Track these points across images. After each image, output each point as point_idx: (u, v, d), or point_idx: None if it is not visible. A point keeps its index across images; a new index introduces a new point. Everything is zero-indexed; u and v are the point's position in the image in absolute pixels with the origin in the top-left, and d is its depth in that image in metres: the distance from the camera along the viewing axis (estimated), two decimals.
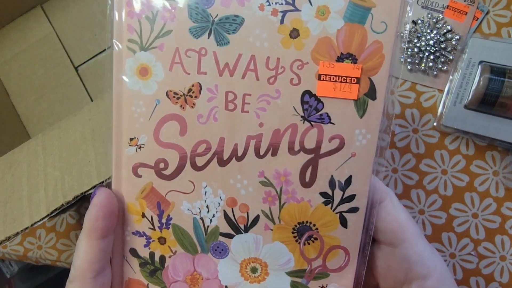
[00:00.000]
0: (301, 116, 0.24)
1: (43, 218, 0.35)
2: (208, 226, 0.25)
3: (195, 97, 0.23)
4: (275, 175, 0.24)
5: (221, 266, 0.25)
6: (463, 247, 0.46)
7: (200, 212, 0.25)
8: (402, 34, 0.23)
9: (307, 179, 0.24)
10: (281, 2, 0.22)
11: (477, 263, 0.46)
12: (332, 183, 0.24)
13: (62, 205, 0.35)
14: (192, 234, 0.25)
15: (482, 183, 0.46)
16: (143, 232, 0.25)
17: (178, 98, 0.23)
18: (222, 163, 0.24)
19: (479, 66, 0.45)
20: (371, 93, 0.23)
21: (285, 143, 0.24)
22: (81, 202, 0.51)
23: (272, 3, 0.22)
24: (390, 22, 0.22)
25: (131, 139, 0.24)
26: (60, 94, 0.48)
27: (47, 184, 0.37)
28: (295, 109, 0.23)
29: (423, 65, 0.47)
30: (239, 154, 0.24)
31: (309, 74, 0.23)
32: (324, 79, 0.23)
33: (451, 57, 0.47)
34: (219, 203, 0.24)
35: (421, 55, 0.47)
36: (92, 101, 0.48)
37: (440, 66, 0.47)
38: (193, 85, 0.23)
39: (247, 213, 0.25)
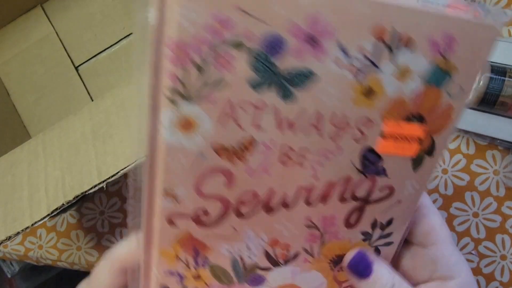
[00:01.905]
0: (358, 170, 0.23)
1: (44, 217, 0.35)
2: (247, 263, 0.24)
3: (247, 151, 0.21)
4: (322, 219, 0.24)
5: None
6: (463, 246, 0.46)
7: (239, 252, 0.24)
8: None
9: (351, 222, 0.24)
10: (360, 58, 0.20)
11: (478, 262, 0.46)
12: (374, 224, 0.25)
13: (63, 204, 0.35)
14: (230, 271, 0.24)
15: (483, 183, 0.46)
16: (177, 271, 0.24)
17: (227, 153, 0.21)
18: (269, 210, 0.23)
19: None
20: (430, 150, 0.23)
21: (336, 193, 0.23)
22: (82, 201, 0.52)
23: (351, 57, 0.20)
24: (467, 87, 0.22)
25: (166, 192, 0.21)
26: (60, 94, 0.48)
27: (48, 183, 0.37)
28: (353, 164, 0.23)
29: None
30: (288, 203, 0.23)
31: (374, 132, 0.22)
32: (389, 137, 0.22)
33: None
34: (260, 244, 0.24)
35: None
36: (92, 100, 0.48)
37: None
38: (246, 140, 0.21)
39: (288, 250, 0.24)
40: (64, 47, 0.49)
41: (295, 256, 0.25)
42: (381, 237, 0.25)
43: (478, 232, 0.46)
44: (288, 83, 0.20)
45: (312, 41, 0.19)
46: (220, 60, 0.19)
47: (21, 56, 0.49)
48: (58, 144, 0.40)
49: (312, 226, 0.24)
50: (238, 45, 0.19)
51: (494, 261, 0.47)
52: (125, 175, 0.51)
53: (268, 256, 0.24)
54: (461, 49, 0.21)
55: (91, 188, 0.35)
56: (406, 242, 0.26)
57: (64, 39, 0.49)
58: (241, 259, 0.24)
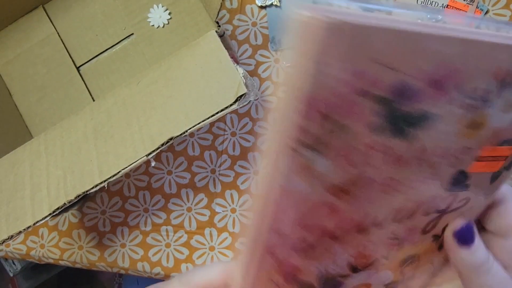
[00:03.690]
0: (446, 189, 0.24)
1: (46, 217, 0.36)
2: (330, 274, 0.26)
3: (354, 186, 0.22)
4: (404, 231, 0.25)
5: None
6: None
7: (326, 266, 0.25)
8: None
9: (427, 229, 0.26)
10: (475, 97, 0.21)
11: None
12: (444, 228, 0.26)
13: (65, 204, 0.36)
14: (315, 283, 0.26)
15: None
16: None
17: (335, 189, 0.22)
18: (360, 231, 0.24)
19: None
20: (509, 165, 0.24)
21: (422, 209, 0.24)
22: (83, 201, 0.52)
23: (466, 96, 0.20)
24: None
25: (272, 227, 0.23)
26: (62, 94, 0.48)
27: (50, 183, 0.37)
28: (443, 184, 0.24)
29: None
30: (378, 222, 0.24)
31: (470, 157, 0.23)
32: (482, 159, 0.23)
33: None
34: (346, 258, 0.25)
35: None
36: (93, 100, 0.49)
37: None
38: (356, 177, 0.22)
39: (369, 260, 0.26)
40: (66, 48, 0.49)
41: (374, 262, 0.26)
42: None
43: None
44: (405, 124, 0.20)
45: (436, 84, 0.20)
46: (345, 108, 0.19)
47: (23, 56, 0.49)
48: (59, 144, 0.40)
49: (395, 238, 0.25)
50: (366, 93, 0.19)
51: None
52: (126, 175, 0.51)
53: (350, 266, 0.26)
54: None
55: (92, 188, 0.35)
56: (486, 231, 0.27)
57: (66, 39, 0.49)
58: (326, 271, 0.25)
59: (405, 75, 0.19)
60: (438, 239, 0.27)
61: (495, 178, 0.25)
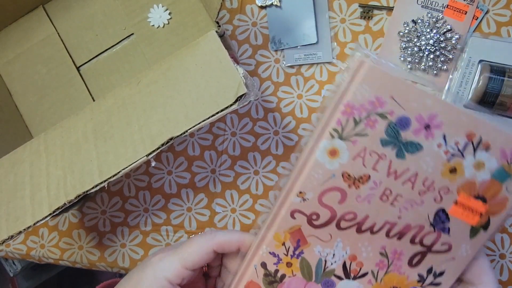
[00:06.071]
0: (430, 223, 0.32)
1: (46, 217, 0.36)
2: (327, 267, 0.33)
3: (362, 183, 0.31)
4: (393, 251, 0.33)
5: None
6: None
7: (326, 256, 0.33)
8: None
9: (413, 263, 0.33)
10: (454, 147, 0.30)
11: None
12: (429, 271, 0.33)
13: (65, 204, 0.36)
14: (313, 267, 0.34)
15: None
16: (278, 254, 0.33)
17: (349, 179, 0.31)
18: (359, 231, 0.32)
19: (479, 65, 0.45)
20: (486, 226, 0.32)
21: (410, 235, 0.32)
22: (83, 201, 0.52)
23: (448, 145, 0.30)
24: None
25: (300, 192, 0.31)
26: (62, 94, 0.48)
27: (50, 183, 0.37)
28: (428, 217, 0.32)
29: (423, 64, 0.47)
30: (374, 230, 0.32)
31: (450, 198, 0.31)
32: (460, 205, 0.31)
33: (451, 56, 0.47)
34: (343, 255, 0.33)
35: (421, 54, 0.47)
36: (93, 100, 0.49)
37: (440, 65, 0.47)
38: (364, 175, 0.31)
39: (360, 268, 0.33)
40: (66, 48, 0.49)
41: (363, 275, 0.33)
42: (432, 283, 0.33)
43: None
44: (404, 148, 0.31)
45: (428, 127, 0.30)
46: (369, 122, 0.30)
47: (23, 56, 0.49)
48: (60, 144, 0.40)
49: (384, 255, 0.33)
50: (383, 116, 0.30)
51: (493, 260, 0.47)
52: (126, 175, 0.51)
53: (344, 267, 0.33)
54: None
55: (92, 188, 0.35)
56: (458, 280, 0.33)
57: (66, 39, 0.49)
58: (325, 262, 0.33)
59: (408, 113, 0.30)
60: (424, 282, 0.33)
61: (474, 233, 0.32)
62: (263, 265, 0.34)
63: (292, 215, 0.32)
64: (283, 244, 0.34)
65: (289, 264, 0.34)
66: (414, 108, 0.30)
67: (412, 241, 0.32)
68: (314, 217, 0.32)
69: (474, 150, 0.31)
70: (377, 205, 0.32)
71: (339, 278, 0.34)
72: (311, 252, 0.33)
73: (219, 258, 0.37)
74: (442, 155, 0.31)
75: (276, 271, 0.34)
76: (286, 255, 0.34)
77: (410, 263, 0.33)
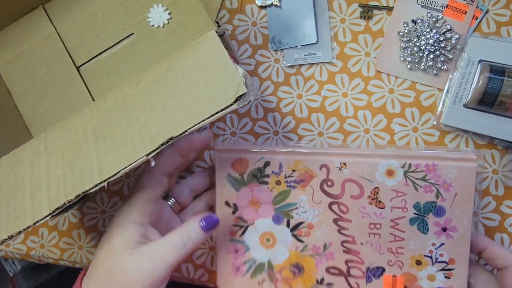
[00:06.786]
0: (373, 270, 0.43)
1: (46, 217, 0.36)
2: (292, 211, 0.43)
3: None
4: (334, 247, 0.43)
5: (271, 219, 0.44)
6: None
7: (302, 207, 0.43)
8: None
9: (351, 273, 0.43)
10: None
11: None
12: None
13: (64, 204, 0.35)
14: (285, 201, 0.43)
15: (482, 182, 0.46)
16: (282, 170, 0.43)
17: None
18: (335, 222, 0.43)
19: (479, 65, 0.45)
20: None
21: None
22: (83, 201, 0.52)
23: None
24: None
25: (343, 163, 0.42)
26: (62, 94, 0.48)
27: (50, 183, 0.37)
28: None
29: (422, 64, 0.47)
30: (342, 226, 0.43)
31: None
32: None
33: (450, 56, 0.47)
34: (308, 219, 0.43)
35: (420, 54, 0.47)
36: (93, 100, 0.49)
37: (439, 65, 0.47)
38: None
39: (304, 236, 0.43)
40: (66, 47, 0.49)
41: (300, 241, 0.43)
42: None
43: (477, 231, 0.46)
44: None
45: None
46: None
47: (23, 56, 0.49)
48: (59, 144, 0.40)
49: (326, 247, 0.43)
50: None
51: None
52: (126, 175, 0.51)
53: (298, 224, 0.43)
54: None
55: (92, 188, 0.35)
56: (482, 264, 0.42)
57: (66, 39, 0.49)
58: (296, 208, 0.43)
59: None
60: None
61: None
62: (267, 164, 0.43)
63: (324, 167, 0.42)
64: (293, 170, 0.42)
65: (278, 182, 0.42)
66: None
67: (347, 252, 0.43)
68: (329, 183, 0.41)
69: None
70: (357, 221, 0.42)
71: (287, 225, 0.43)
72: (298, 194, 0.42)
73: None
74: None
75: (267, 175, 0.43)
76: (285, 177, 0.42)
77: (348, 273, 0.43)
